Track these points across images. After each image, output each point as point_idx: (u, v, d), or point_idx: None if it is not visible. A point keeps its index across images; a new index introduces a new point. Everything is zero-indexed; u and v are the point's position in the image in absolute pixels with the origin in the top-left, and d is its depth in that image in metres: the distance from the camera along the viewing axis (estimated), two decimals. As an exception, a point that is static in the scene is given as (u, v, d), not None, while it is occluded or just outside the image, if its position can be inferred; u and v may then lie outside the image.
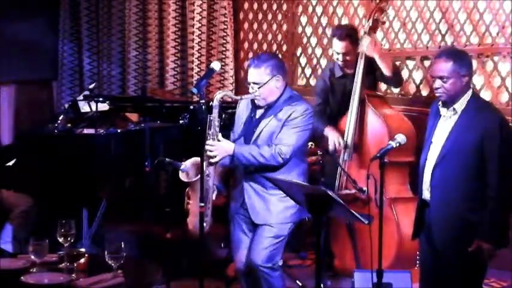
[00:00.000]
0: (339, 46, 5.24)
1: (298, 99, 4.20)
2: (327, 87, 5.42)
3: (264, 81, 4.12)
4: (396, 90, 5.88)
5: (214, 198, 4.20)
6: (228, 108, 5.50)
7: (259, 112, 4.23)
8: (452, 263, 3.87)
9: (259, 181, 4.15)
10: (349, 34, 5.24)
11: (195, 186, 4.17)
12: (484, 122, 3.77)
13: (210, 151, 4.09)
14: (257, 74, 4.14)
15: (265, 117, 4.17)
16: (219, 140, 4.12)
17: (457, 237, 3.85)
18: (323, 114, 5.38)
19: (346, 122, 5.16)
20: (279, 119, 4.12)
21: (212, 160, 4.11)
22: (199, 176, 4.06)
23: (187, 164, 4.26)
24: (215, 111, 4.10)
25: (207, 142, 4.09)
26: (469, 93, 3.86)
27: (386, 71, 5.14)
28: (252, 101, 4.24)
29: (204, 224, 4.09)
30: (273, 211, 4.17)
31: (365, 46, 5.09)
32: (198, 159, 4.12)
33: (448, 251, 3.88)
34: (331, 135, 5.17)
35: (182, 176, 4.25)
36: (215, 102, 4.09)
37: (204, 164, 4.06)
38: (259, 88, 4.12)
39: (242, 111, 4.32)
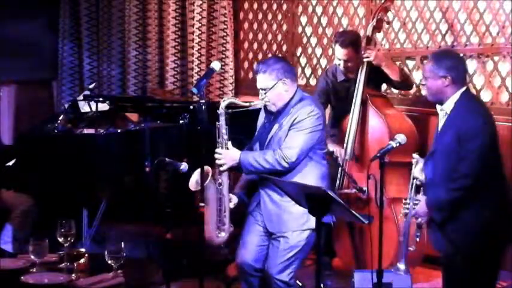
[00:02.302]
0: (341, 53, 5.25)
1: (307, 101, 4.14)
2: (328, 89, 5.43)
3: (270, 86, 4.08)
4: (396, 90, 5.88)
5: (232, 206, 4.20)
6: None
7: (271, 118, 4.20)
8: (447, 262, 3.93)
9: (274, 188, 4.09)
10: (352, 42, 5.25)
11: (206, 195, 4.15)
12: (461, 123, 3.79)
13: (219, 159, 4.10)
14: (263, 79, 4.10)
15: (276, 123, 4.14)
16: (227, 148, 4.11)
17: (445, 236, 3.89)
18: None
19: (347, 122, 5.17)
20: (287, 123, 4.08)
21: (221, 168, 4.11)
22: (208, 185, 4.09)
23: (196, 174, 4.21)
24: (222, 119, 4.08)
25: (216, 150, 4.10)
26: (457, 95, 3.86)
27: (394, 76, 5.17)
28: (265, 106, 4.20)
29: (223, 233, 4.15)
30: (287, 220, 4.10)
31: (372, 56, 5.10)
32: (206, 167, 4.11)
33: (440, 250, 3.95)
34: (330, 147, 5.19)
35: (192, 186, 4.23)
36: (221, 110, 4.07)
37: (216, 172, 4.10)
38: (265, 93, 4.10)
39: (261, 119, 4.31)
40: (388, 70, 5.17)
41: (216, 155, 4.09)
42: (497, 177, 3.86)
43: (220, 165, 4.11)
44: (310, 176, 4.09)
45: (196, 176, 4.20)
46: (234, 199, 4.23)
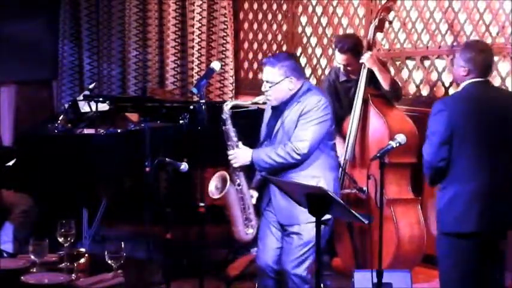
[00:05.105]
0: (340, 58, 5.29)
1: (314, 91, 4.15)
2: (331, 89, 5.43)
3: (276, 81, 4.09)
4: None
5: (254, 202, 4.29)
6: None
7: (278, 111, 4.20)
8: None
9: None
10: (350, 47, 5.25)
11: (228, 198, 4.23)
12: None
13: (231, 159, 4.20)
14: (271, 72, 4.11)
15: (282, 116, 4.15)
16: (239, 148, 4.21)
17: None
18: None
19: (348, 122, 5.17)
20: (295, 112, 4.09)
21: (234, 165, 4.20)
22: (228, 188, 4.17)
23: (213, 180, 4.30)
24: (228, 123, 4.17)
25: (228, 152, 4.19)
26: (462, 85, 3.95)
27: (384, 84, 5.15)
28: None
29: (251, 230, 4.25)
30: (297, 213, 4.06)
31: (365, 59, 5.11)
32: (222, 172, 4.23)
33: None
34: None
35: (213, 194, 4.28)
36: (225, 115, 4.14)
37: (232, 174, 4.21)
38: (270, 87, 4.11)
39: (267, 113, 4.32)
40: (380, 76, 5.16)
41: (229, 157, 4.19)
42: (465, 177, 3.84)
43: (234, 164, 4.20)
44: (321, 167, 4.12)
45: (214, 182, 4.27)
46: (255, 194, 4.30)
